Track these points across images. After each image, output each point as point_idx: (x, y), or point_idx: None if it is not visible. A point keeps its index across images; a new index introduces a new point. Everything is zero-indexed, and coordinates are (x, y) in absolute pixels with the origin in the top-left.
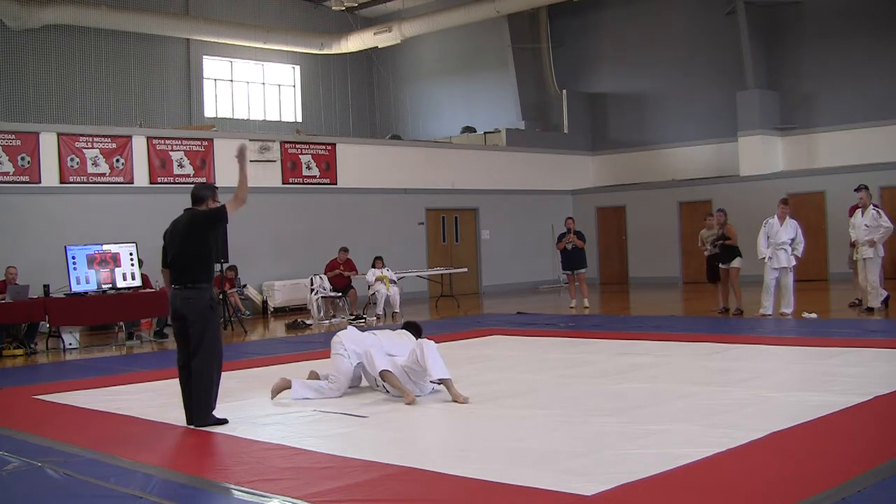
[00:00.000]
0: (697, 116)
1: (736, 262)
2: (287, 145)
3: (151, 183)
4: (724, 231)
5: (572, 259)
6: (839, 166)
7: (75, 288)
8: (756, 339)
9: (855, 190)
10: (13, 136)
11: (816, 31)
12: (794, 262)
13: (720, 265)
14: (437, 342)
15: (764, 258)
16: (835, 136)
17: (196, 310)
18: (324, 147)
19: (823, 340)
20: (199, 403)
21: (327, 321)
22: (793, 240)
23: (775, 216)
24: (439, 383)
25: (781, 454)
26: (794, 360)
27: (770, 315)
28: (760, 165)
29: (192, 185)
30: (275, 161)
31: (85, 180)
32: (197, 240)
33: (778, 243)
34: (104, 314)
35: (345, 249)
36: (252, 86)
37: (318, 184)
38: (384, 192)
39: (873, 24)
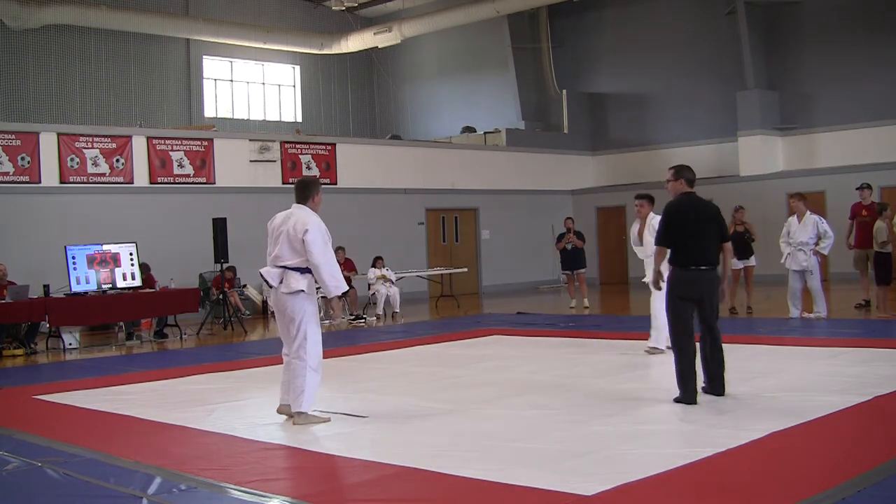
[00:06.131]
0: (697, 116)
1: (752, 260)
2: (287, 145)
3: (151, 183)
4: (746, 227)
5: (572, 259)
6: (839, 166)
7: (75, 288)
8: (756, 339)
9: None
10: (13, 136)
11: (816, 31)
12: (806, 264)
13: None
14: (436, 342)
15: (783, 261)
16: (835, 136)
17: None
18: (324, 147)
19: (824, 340)
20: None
21: (327, 321)
22: (816, 239)
23: (795, 215)
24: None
25: (781, 454)
26: (795, 359)
27: (796, 318)
28: (760, 165)
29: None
30: (275, 161)
31: (85, 180)
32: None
33: (796, 244)
34: (104, 314)
35: (341, 249)
36: (252, 86)
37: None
38: (384, 192)
39: (873, 24)
